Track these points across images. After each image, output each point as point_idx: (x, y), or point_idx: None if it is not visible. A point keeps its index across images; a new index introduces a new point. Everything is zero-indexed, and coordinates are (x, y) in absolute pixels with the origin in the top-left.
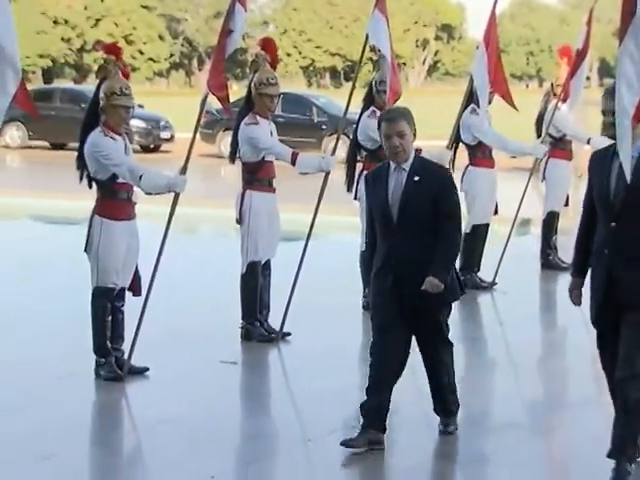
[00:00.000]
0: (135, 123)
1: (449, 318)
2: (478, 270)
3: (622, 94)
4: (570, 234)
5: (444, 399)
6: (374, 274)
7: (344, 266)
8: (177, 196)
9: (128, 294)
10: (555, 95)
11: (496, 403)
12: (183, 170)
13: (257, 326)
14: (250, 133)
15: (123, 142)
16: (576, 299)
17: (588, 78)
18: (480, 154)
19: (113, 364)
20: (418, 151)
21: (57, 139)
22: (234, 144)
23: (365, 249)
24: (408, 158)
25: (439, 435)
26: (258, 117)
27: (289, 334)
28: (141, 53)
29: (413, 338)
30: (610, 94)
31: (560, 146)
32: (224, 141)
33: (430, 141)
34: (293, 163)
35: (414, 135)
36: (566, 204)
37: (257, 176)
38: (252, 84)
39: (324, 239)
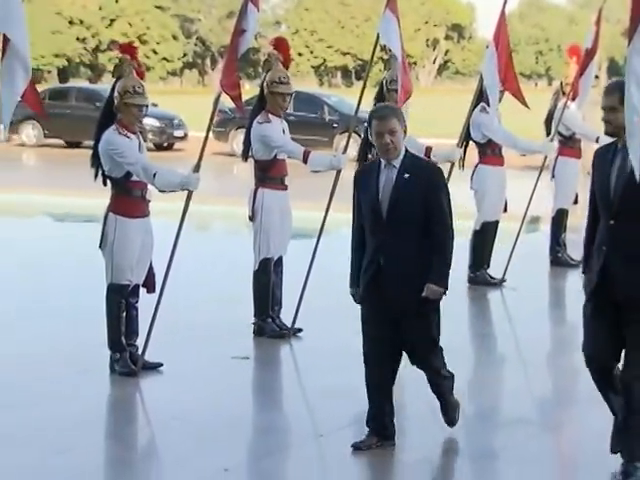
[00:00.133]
0: (149, 121)
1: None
2: (488, 267)
3: (631, 92)
4: (579, 231)
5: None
6: (363, 270)
7: None
8: (190, 194)
9: (142, 290)
10: (564, 94)
11: (505, 399)
12: (196, 168)
13: (269, 322)
14: (262, 131)
15: (137, 140)
16: None
17: (597, 77)
18: (490, 152)
19: (127, 359)
20: (428, 149)
21: (72, 137)
22: (247, 142)
23: (353, 249)
24: (399, 155)
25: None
26: (270, 115)
27: (301, 330)
28: (155, 53)
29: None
30: (606, 92)
31: (569, 144)
32: (237, 139)
33: (440, 139)
34: (305, 161)
35: (404, 132)
36: (575, 202)
37: (269, 174)
38: (265, 83)
39: (335, 236)
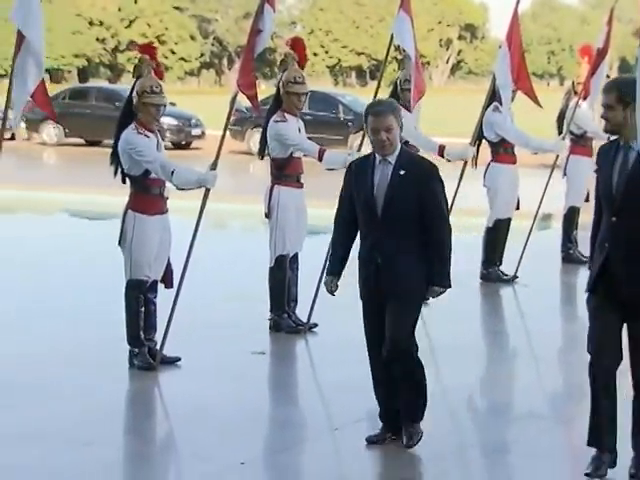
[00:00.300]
0: (167, 121)
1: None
2: (500, 264)
3: None
4: (590, 229)
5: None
6: (360, 267)
7: None
8: (207, 191)
9: (160, 286)
10: (576, 93)
11: (517, 394)
12: (213, 166)
13: (285, 318)
14: (279, 130)
15: (155, 139)
16: None
17: (608, 77)
18: (502, 151)
19: (146, 354)
20: (442, 148)
21: (92, 136)
22: (263, 141)
23: (334, 240)
24: (395, 150)
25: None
26: (286, 115)
27: (316, 325)
28: (173, 53)
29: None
30: (604, 90)
31: (581, 143)
32: (253, 138)
33: (453, 138)
34: (320, 159)
35: (400, 128)
36: (587, 200)
37: (285, 172)
38: (281, 83)
39: None
